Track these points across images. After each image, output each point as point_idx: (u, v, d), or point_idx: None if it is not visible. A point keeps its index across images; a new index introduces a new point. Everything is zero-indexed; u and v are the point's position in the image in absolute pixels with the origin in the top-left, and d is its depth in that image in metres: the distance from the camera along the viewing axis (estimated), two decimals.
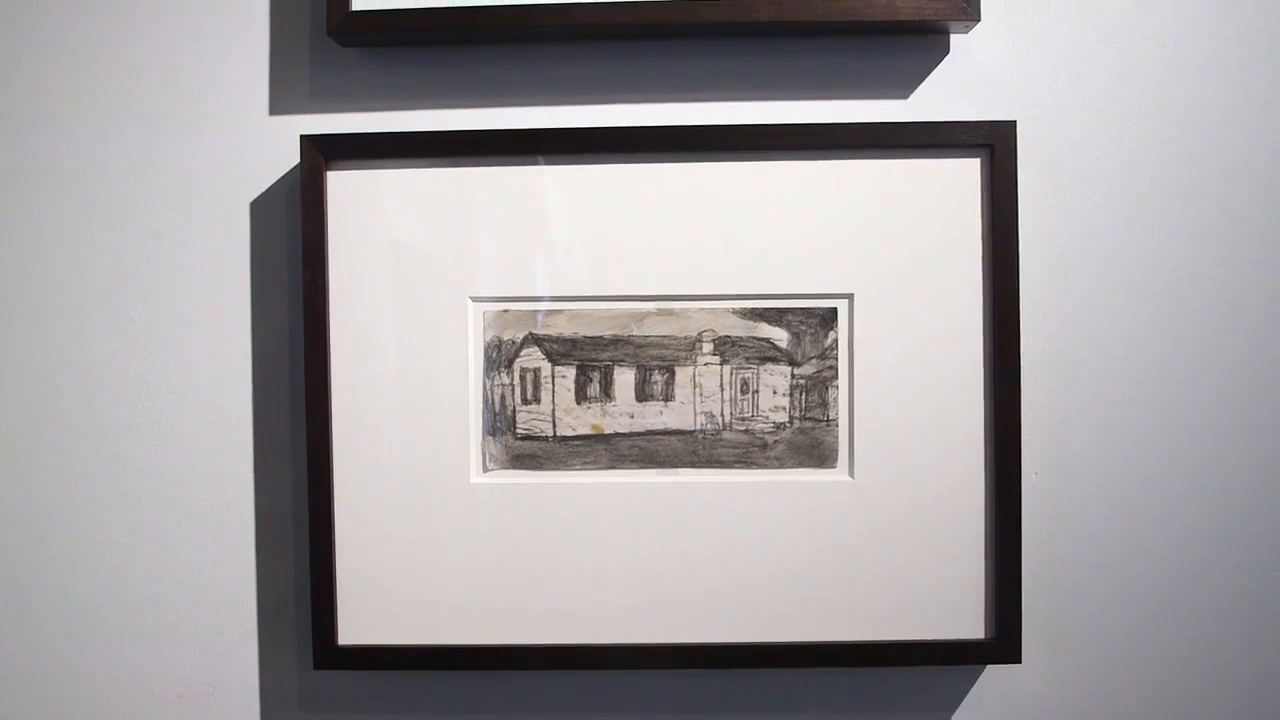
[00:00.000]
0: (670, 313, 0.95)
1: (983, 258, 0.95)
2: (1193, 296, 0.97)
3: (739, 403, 0.95)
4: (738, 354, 0.95)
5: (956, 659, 0.95)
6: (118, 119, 0.98)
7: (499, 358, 0.95)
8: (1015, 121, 0.94)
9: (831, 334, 0.95)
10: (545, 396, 0.95)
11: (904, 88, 0.97)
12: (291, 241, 0.97)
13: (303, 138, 0.94)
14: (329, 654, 0.96)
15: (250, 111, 0.98)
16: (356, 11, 0.94)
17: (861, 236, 0.95)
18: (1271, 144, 0.97)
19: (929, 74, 0.97)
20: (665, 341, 0.95)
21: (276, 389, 0.98)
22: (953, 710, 0.98)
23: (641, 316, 0.95)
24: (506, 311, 0.95)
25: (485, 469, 0.96)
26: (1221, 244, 0.97)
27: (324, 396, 0.95)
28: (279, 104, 0.98)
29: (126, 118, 0.98)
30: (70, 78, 0.99)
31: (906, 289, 0.95)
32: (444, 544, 0.96)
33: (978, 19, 0.93)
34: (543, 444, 0.96)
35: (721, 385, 0.95)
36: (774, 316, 0.95)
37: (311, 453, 0.95)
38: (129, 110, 0.98)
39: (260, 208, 0.98)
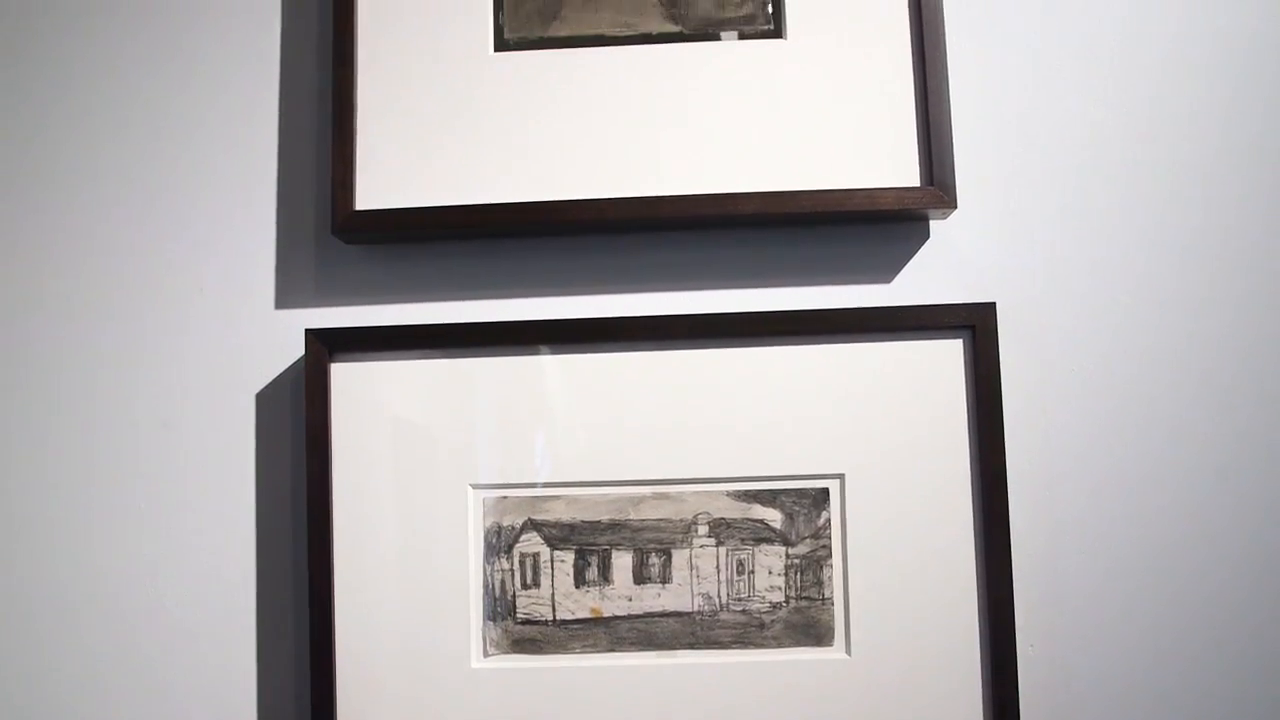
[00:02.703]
0: (666, 496, 0.97)
1: (969, 435, 0.97)
2: (1178, 467, 0.99)
3: (735, 583, 0.97)
4: (733, 535, 0.97)
5: None
6: (129, 311, 1.02)
7: (499, 543, 0.97)
8: (995, 303, 0.97)
9: (824, 514, 0.97)
10: (545, 581, 0.97)
11: (887, 272, 1.01)
12: (296, 431, 1.00)
13: (307, 332, 0.97)
14: None
15: (257, 306, 1.01)
16: (360, 211, 0.98)
17: (850, 417, 0.97)
18: (1250, 317, 1.00)
19: (910, 259, 1.01)
20: (661, 525, 0.97)
21: (280, 575, 1.00)
22: None
23: (638, 500, 0.97)
24: (506, 498, 0.98)
25: (486, 654, 0.97)
26: (1203, 415, 0.99)
27: (327, 584, 0.96)
28: (284, 299, 1.01)
29: (137, 311, 1.02)
30: (79, 269, 1.03)
31: (896, 467, 0.97)
32: None
33: (955, 206, 0.97)
34: (543, 628, 0.97)
35: (718, 566, 0.97)
36: (767, 498, 0.97)
37: (315, 639, 0.96)
38: (140, 304, 1.02)
39: (265, 398, 1.01)
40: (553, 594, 0.97)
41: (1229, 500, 0.99)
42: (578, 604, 0.97)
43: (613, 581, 0.97)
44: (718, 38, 1.00)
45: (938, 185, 0.97)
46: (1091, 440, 0.99)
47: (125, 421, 1.01)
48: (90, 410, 1.02)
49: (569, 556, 0.97)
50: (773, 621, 0.97)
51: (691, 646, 0.97)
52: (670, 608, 0.97)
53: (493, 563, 0.97)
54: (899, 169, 0.98)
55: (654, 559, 0.97)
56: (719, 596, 0.97)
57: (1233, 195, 1.01)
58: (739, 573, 0.97)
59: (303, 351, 0.99)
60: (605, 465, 0.97)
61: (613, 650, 0.97)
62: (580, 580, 0.97)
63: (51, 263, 1.03)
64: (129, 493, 1.01)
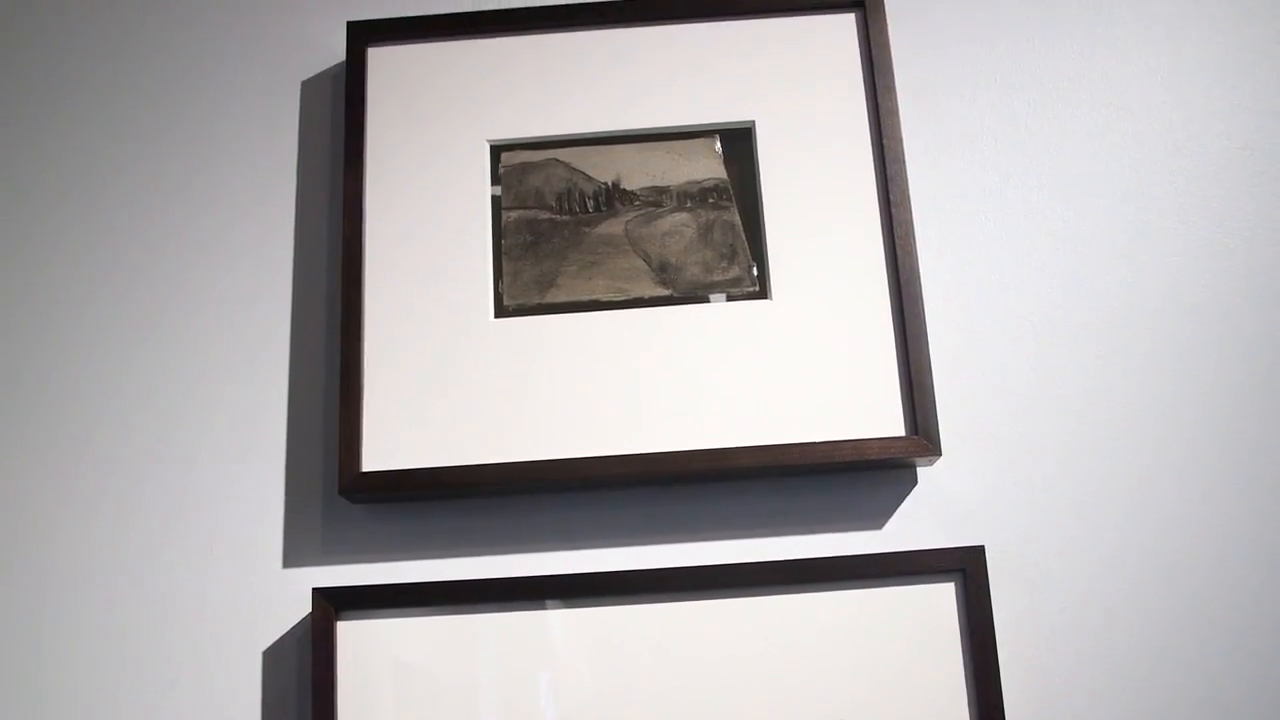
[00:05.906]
0: None
1: (965, 675, 0.99)
2: (1175, 703, 1.00)
3: None
4: None
5: None
6: (138, 572, 1.04)
7: None
8: (984, 546, 1.00)
9: None
10: None
11: (878, 519, 1.04)
12: (301, 689, 1.01)
13: (314, 591, 1.00)
14: None
15: (265, 565, 1.04)
16: (366, 472, 1.02)
17: (848, 662, 0.99)
18: (1238, 550, 1.03)
19: (900, 505, 1.04)
20: None
21: None
22: None
23: None
24: None
25: None
26: (1197, 651, 1.01)
27: None
28: (292, 557, 1.04)
29: (146, 572, 1.04)
30: (87, 532, 1.05)
31: (896, 710, 0.98)
32: None
33: (939, 453, 1.01)
34: None
35: None
36: None
37: None
38: (149, 564, 1.05)
39: (272, 656, 1.02)
40: None
41: (1230, 705, 1.00)
42: None
43: None
44: (706, 300, 1.05)
45: (922, 434, 1.01)
46: (1085, 676, 1.01)
47: (132, 683, 1.02)
48: (98, 674, 1.03)
49: None
50: None
51: None
52: None
53: None
54: (884, 419, 1.02)
55: None
56: None
57: (1218, 431, 1.05)
58: None
59: (309, 610, 1.01)
60: (607, 716, 0.98)
61: None
62: None
63: (60, 527, 1.06)
64: None
